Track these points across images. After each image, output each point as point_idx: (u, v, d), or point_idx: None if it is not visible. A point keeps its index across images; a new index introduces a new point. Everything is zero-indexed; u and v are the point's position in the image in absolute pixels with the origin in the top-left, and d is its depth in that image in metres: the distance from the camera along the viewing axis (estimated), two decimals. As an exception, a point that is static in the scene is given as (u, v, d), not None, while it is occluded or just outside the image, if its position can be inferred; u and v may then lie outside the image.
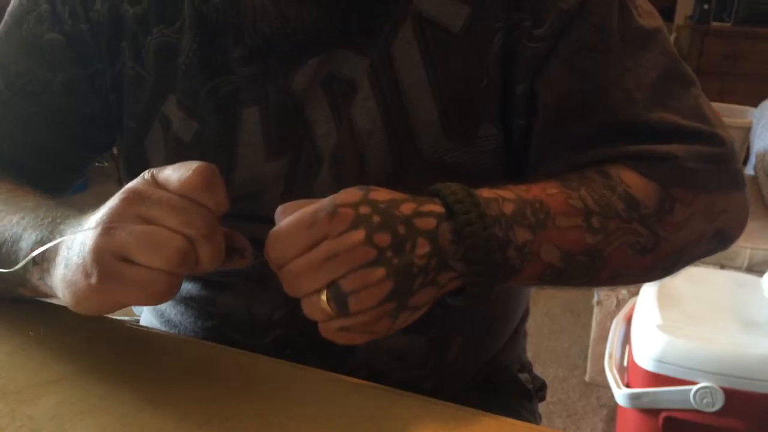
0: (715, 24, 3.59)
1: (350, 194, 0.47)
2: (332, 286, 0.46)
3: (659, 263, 0.57)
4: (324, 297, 0.46)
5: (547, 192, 0.52)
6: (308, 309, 0.47)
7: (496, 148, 0.59)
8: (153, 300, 0.44)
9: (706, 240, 0.58)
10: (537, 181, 0.54)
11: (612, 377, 1.37)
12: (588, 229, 0.52)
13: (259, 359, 0.55)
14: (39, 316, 0.60)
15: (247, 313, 0.63)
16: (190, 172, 0.44)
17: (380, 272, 0.46)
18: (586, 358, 1.83)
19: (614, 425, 1.61)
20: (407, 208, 0.48)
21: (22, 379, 0.52)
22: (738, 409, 1.23)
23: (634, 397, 1.30)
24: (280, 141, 0.60)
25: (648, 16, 0.59)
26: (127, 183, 0.49)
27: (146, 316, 0.74)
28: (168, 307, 0.69)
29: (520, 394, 0.76)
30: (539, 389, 0.80)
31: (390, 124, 0.58)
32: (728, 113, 2.72)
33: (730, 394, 1.23)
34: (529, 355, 0.81)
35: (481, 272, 0.49)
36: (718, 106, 2.71)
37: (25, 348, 0.56)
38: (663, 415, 1.29)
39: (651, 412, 1.30)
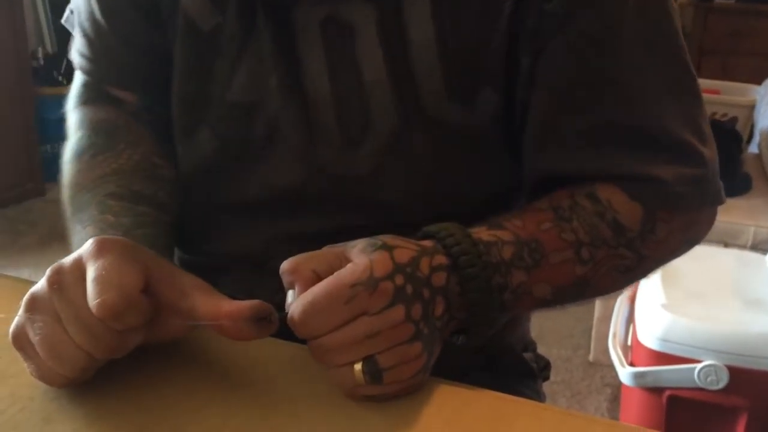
0: (718, 1, 3.56)
1: (383, 261, 0.45)
2: (368, 360, 0.45)
3: (639, 276, 0.60)
4: (358, 369, 0.45)
5: (541, 228, 0.53)
6: (337, 378, 0.46)
7: (496, 115, 0.58)
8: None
9: (680, 250, 0.61)
10: (531, 207, 0.55)
11: (616, 356, 1.37)
12: (578, 261, 0.54)
13: (261, 342, 0.55)
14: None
15: (248, 296, 0.63)
16: (105, 300, 0.42)
17: (417, 347, 0.46)
18: (589, 337, 1.83)
19: (618, 404, 1.62)
20: (425, 266, 0.47)
21: (22, 362, 0.52)
22: (742, 387, 1.23)
23: (638, 376, 1.31)
24: (276, 60, 0.58)
25: (667, 16, 0.57)
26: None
27: None
28: None
29: (523, 373, 0.76)
30: (543, 369, 0.80)
31: (394, 77, 0.57)
32: (732, 91, 2.70)
33: (735, 372, 1.23)
34: (533, 335, 0.81)
35: (482, 320, 0.50)
36: (721, 84, 2.69)
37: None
38: (667, 393, 1.29)
39: (655, 391, 1.30)
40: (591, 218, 0.55)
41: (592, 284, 0.56)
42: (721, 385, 1.23)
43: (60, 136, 0.72)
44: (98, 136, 0.67)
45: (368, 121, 0.58)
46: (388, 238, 0.48)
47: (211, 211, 0.65)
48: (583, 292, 0.56)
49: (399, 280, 0.45)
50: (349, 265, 0.45)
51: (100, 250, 0.45)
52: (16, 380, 0.50)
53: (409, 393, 0.47)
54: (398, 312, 0.45)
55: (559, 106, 0.57)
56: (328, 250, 0.48)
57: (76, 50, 0.69)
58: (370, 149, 0.58)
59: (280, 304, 0.62)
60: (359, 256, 0.46)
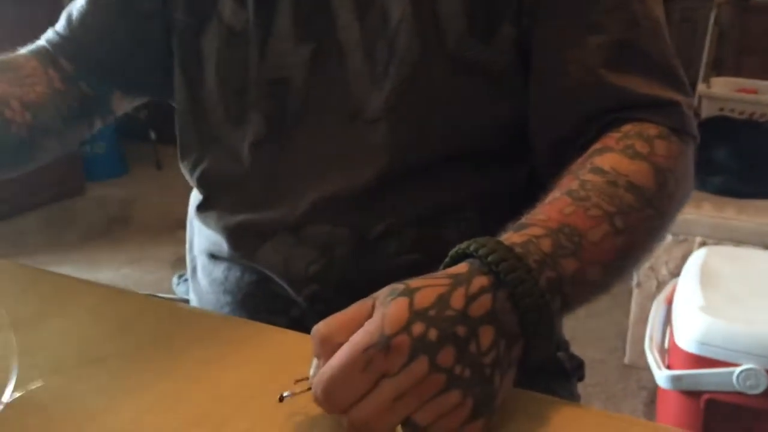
0: (755, 0, 3.48)
1: (396, 312, 0.42)
2: (407, 422, 0.42)
3: (663, 234, 0.59)
4: (400, 430, 0.42)
5: (565, 213, 0.52)
6: None
7: (514, 49, 0.61)
8: None
9: (683, 202, 0.61)
10: (545, 202, 0.54)
11: (653, 359, 1.35)
12: (615, 233, 0.52)
13: (294, 336, 0.56)
14: (84, 298, 0.62)
15: (283, 267, 0.65)
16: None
17: (455, 396, 0.42)
18: (624, 340, 1.81)
19: (654, 408, 1.60)
20: (458, 298, 0.44)
21: (72, 357, 0.53)
22: (783, 392, 1.21)
23: (675, 379, 1.29)
24: (308, 27, 0.63)
25: None
26: (181, 93, 0.65)
27: (197, 276, 0.76)
28: (214, 267, 0.71)
29: (557, 373, 0.76)
30: (577, 368, 0.80)
31: (419, 14, 0.60)
32: (772, 91, 2.64)
33: (775, 377, 1.20)
34: (566, 337, 0.81)
35: (546, 328, 0.46)
36: (760, 84, 2.63)
37: (72, 328, 0.57)
38: (705, 397, 1.27)
39: (693, 395, 1.28)
40: (607, 189, 0.54)
41: (631, 253, 0.54)
42: (761, 389, 1.21)
43: (101, 136, 0.77)
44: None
45: (392, 58, 0.61)
46: (413, 281, 0.45)
47: (259, 181, 0.67)
48: (627, 263, 0.54)
49: (417, 328, 0.42)
50: (362, 327, 0.43)
51: None
52: (64, 375, 0.51)
53: None
54: (421, 365, 0.41)
55: (574, 30, 0.60)
56: (358, 309, 0.45)
57: (54, 29, 0.75)
58: (392, 85, 0.61)
59: (315, 275, 0.64)
60: (376, 311, 0.43)
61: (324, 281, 0.64)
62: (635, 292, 1.76)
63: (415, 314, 0.42)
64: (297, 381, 0.46)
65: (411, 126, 0.62)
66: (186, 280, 0.83)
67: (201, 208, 0.72)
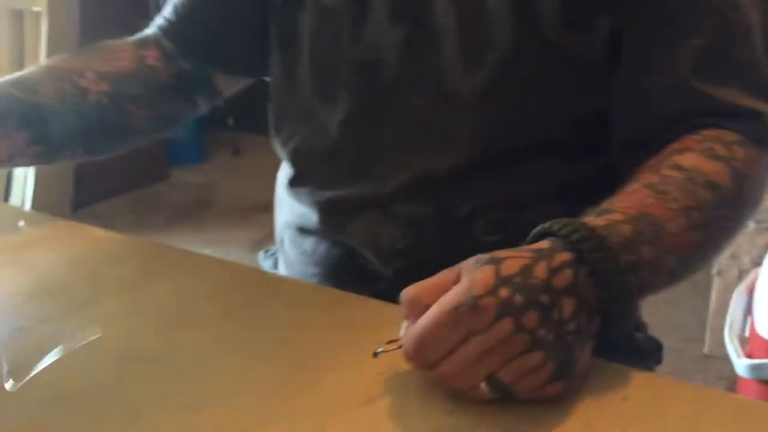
0: None
1: (484, 277, 0.45)
2: (491, 379, 0.45)
3: (737, 233, 0.61)
4: (484, 388, 0.45)
5: (646, 203, 0.53)
6: (472, 397, 0.47)
7: (606, 42, 0.62)
8: None
9: (756, 204, 0.62)
10: (625, 192, 0.55)
11: (732, 348, 1.33)
12: (692, 227, 0.54)
13: (382, 305, 0.59)
14: (181, 266, 0.67)
15: (372, 242, 0.68)
16: None
17: (539, 356, 0.45)
18: (703, 330, 1.77)
19: (733, 399, 1.56)
20: (542, 270, 0.46)
21: (174, 317, 0.58)
22: None
23: (755, 368, 1.26)
24: (404, 9, 0.65)
25: None
26: (276, 69, 0.69)
27: (286, 249, 0.80)
28: (303, 240, 0.75)
29: (634, 353, 0.76)
30: (654, 350, 0.80)
31: (516, 1, 0.61)
32: None
33: None
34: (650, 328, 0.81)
35: (623, 306, 0.48)
36: None
37: (172, 292, 0.62)
38: (787, 387, 1.24)
39: (774, 384, 1.26)
40: (686, 185, 0.55)
41: (705, 248, 0.56)
42: None
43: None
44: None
45: (487, 45, 0.62)
46: (498, 252, 0.47)
47: (349, 157, 0.70)
48: (699, 258, 0.57)
49: (504, 292, 0.45)
50: (451, 290, 0.46)
51: None
52: (166, 334, 0.56)
53: (559, 397, 0.46)
54: (506, 325, 0.44)
55: (668, 32, 0.60)
56: (445, 275, 0.48)
57: (162, 14, 0.78)
58: (487, 71, 0.63)
59: (405, 249, 0.67)
60: (463, 277, 0.46)
61: (411, 257, 0.67)
62: (716, 280, 1.72)
63: (502, 280, 0.45)
64: (388, 342, 0.49)
65: (501, 112, 0.64)
66: (272, 254, 0.87)
67: (293, 182, 0.75)
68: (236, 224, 2.67)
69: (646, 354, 0.78)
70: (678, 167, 0.57)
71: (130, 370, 0.51)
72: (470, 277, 0.46)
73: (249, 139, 3.26)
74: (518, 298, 0.45)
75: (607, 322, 0.49)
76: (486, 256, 0.47)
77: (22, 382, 0.49)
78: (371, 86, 0.67)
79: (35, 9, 1.03)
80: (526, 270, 0.46)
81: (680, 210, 0.54)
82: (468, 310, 0.44)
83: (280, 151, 0.77)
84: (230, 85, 0.80)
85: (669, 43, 0.61)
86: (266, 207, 0.86)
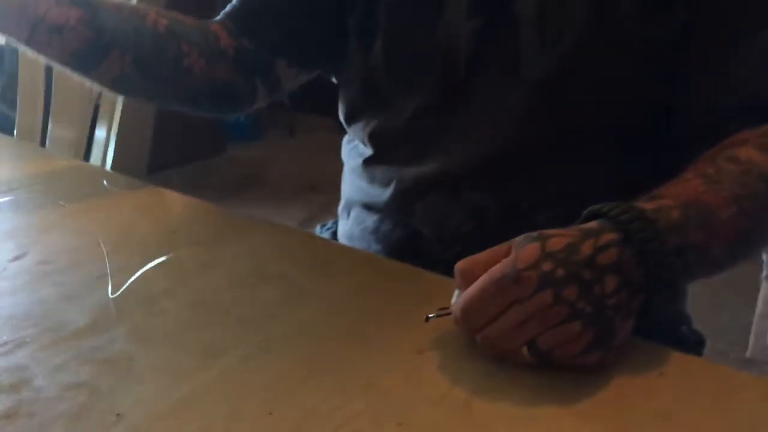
0: None
1: (528, 252, 0.49)
2: (532, 344, 0.49)
3: None
4: (525, 352, 0.49)
5: (698, 191, 0.55)
6: (515, 361, 0.50)
7: (681, 31, 0.63)
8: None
9: None
10: (679, 180, 0.57)
11: (775, 351, 1.32)
12: (743, 215, 0.55)
13: (438, 278, 0.63)
14: (251, 230, 0.71)
15: (438, 223, 0.72)
16: None
17: (576, 326, 0.48)
18: (747, 333, 1.76)
19: (774, 403, 1.55)
20: (587, 247, 0.49)
21: (247, 274, 0.63)
22: None
23: (798, 373, 1.26)
24: (481, 2, 0.66)
25: None
26: (355, 59, 0.70)
27: (345, 225, 0.84)
28: (367, 216, 0.79)
29: (677, 344, 0.78)
30: (698, 344, 0.81)
31: None
32: None
33: None
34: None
35: (667, 287, 0.51)
36: None
37: (238, 253, 0.67)
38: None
39: (816, 390, 1.24)
40: (740, 176, 0.57)
41: (756, 238, 0.58)
42: None
43: None
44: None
45: (564, 28, 0.64)
46: (547, 230, 0.51)
47: (423, 140, 0.73)
48: (751, 248, 0.58)
49: (547, 266, 0.48)
50: (499, 263, 0.49)
51: None
52: (225, 294, 0.60)
53: (595, 367, 0.49)
54: (546, 296, 0.47)
55: (744, 25, 0.61)
56: (496, 250, 0.52)
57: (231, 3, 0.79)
58: (562, 51, 0.65)
59: (467, 234, 0.69)
60: (513, 252, 0.50)
61: (472, 242, 0.69)
62: (764, 285, 1.71)
63: (546, 255, 0.49)
64: (440, 308, 0.53)
65: (573, 94, 0.66)
66: (328, 229, 0.91)
67: (369, 161, 0.78)
68: (286, 202, 2.73)
69: (687, 347, 0.79)
70: (733, 159, 0.58)
71: (203, 317, 0.57)
72: (517, 251, 0.50)
73: (303, 120, 3.32)
74: (560, 272, 0.48)
75: (651, 301, 0.51)
76: (535, 233, 0.51)
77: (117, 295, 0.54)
78: (448, 73, 0.69)
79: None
80: (572, 247, 0.49)
81: (732, 198, 0.55)
82: (511, 280, 0.48)
83: (358, 135, 0.80)
84: (292, 77, 0.79)
85: (739, 37, 0.62)
86: (315, 186, 0.89)
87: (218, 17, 0.79)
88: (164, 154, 2.80)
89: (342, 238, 0.84)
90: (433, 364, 0.51)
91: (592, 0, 0.63)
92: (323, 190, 2.66)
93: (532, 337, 0.48)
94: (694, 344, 0.81)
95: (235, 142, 3.26)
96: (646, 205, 0.53)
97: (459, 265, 0.52)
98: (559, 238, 0.50)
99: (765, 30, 0.62)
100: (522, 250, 0.50)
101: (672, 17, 0.63)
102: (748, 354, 1.76)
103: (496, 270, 0.49)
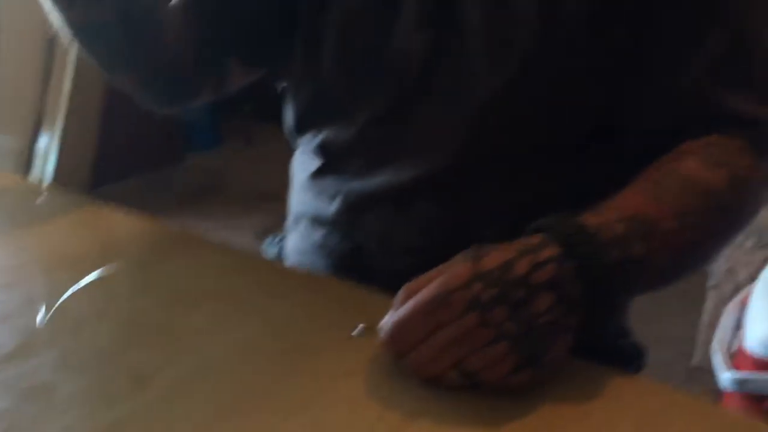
0: None
1: (459, 273, 0.49)
2: (459, 366, 0.49)
3: (728, 242, 0.63)
4: (453, 375, 0.49)
5: (642, 203, 0.56)
6: (443, 385, 0.50)
7: (625, 45, 0.63)
8: None
9: (754, 214, 0.64)
10: (622, 193, 0.58)
11: (719, 361, 1.35)
12: (686, 229, 0.56)
13: (379, 297, 0.62)
14: (192, 248, 0.71)
15: (384, 237, 0.71)
16: None
17: (503, 347, 0.48)
18: (693, 343, 1.80)
19: (719, 411, 1.58)
20: (522, 266, 0.49)
21: (189, 293, 0.62)
22: None
23: (740, 382, 1.29)
24: (433, 12, 0.66)
25: None
26: (301, 67, 0.68)
27: (294, 239, 0.83)
28: (314, 230, 0.78)
29: (615, 358, 0.78)
30: (637, 357, 0.82)
31: (542, 5, 0.63)
32: None
33: (844, 387, 1.19)
34: (633, 329, 0.82)
35: (606, 303, 0.51)
36: None
37: (176, 272, 0.66)
38: (769, 402, 1.27)
39: (756, 399, 1.28)
40: (683, 189, 0.58)
41: (698, 252, 0.59)
42: (828, 398, 1.20)
43: (198, 108, 0.81)
44: None
45: (513, 47, 0.64)
46: (486, 247, 0.51)
47: (372, 152, 0.72)
48: (694, 261, 0.60)
49: (476, 287, 0.48)
50: (430, 284, 0.49)
51: None
52: (177, 307, 0.59)
53: (526, 387, 0.49)
54: (471, 319, 0.48)
55: (686, 40, 0.62)
56: (441, 269, 0.51)
57: None
58: (510, 72, 0.65)
59: (415, 248, 0.69)
60: (444, 272, 0.50)
61: (419, 256, 0.68)
62: (711, 294, 1.75)
63: (477, 275, 0.49)
64: (365, 326, 0.54)
65: (521, 112, 0.66)
66: (278, 242, 0.90)
67: (317, 174, 0.77)
68: (244, 212, 2.71)
69: (627, 360, 0.80)
70: (677, 172, 0.59)
71: (137, 340, 0.56)
72: (448, 272, 0.50)
73: (263, 129, 3.29)
74: (489, 292, 0.48)
75: (590, 317, 0.51)
76: (472, 250, 0.51)
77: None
78: (398, 86, 0.69)
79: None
80: (507, 265, 0.49)
81: (674, 212, 0.56)
82: (439, 303, 0.48)
83: (304, 145, 0.79)
84: (238, 77, 0.78)
85: (685, 50, 0.63)
86: (274, 196, 0.88)
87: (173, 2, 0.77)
88: (119, 164, 2.76)
89: (290, 252, 0.84)
90: (368, 386, 0.51)
91: (539, 17, 0.64)
92: (283, 200, 2.63)
93: (459, 359, 0.48)
94: (634, 357, 0.81)
95: (194, 151, 3.23)
96: (588, 218, 0.53)
97: (406, 285, 0.52)
98: (495, 256, 0.50)
99: (707, 45, 0.62)
100: (453, 270, 0.50)
101: (616, 35, 0.63)
102: (694, 363, 1.79)
103: (426, 292, 0.49)
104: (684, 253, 0.58)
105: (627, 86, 0.66)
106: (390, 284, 0.60)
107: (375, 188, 0.72)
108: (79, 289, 0.61)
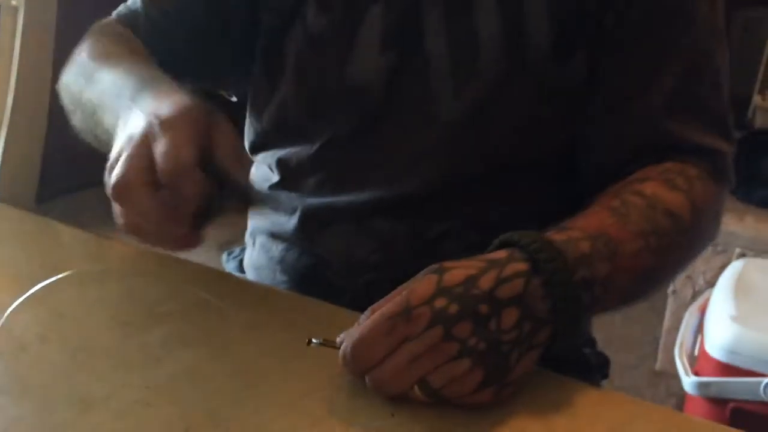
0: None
1: (423, 287, 0.48)
2: (422, 383, 0.47)
3: (686, 266, 0.65)
4: (417, 392, 0.47)
5: (605, 224, 0.55)
6: (408, 397, 0.48)
7: (586, 73, 0.64)
8: None
9: (714, 237, 0.66)
10: (586, 213, 0.58)
11: (681, 365, 1.36)
12: (649, 251, 0.56)
13: (339, 312, 0.61)
14: (142, 264, 0.68)
15: (344, 254, 0.70)
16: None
17: (466, 363, 0.46)
18: (656, 347, 1.81)
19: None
20: (487, 281, 0.48)
21: (139, 312, 0.59)
22: (810, 405, 1.21)
23: (702, 386, 1.30)
24: (395, 37, 0.65)
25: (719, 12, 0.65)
26: (261, 79, 0.68)
27: (252, 253, 0.81)
28: (273, 245, 0.76)
29: (581, 367, 0.79)
30: (602, 366, 0.82)
31: (507, 32, 0.63)
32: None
33: (803, 390, 1.21)
34: (600, 342, 0.83)
35: (574, 320, 0.50)
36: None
37: (126, 290, 0.64)
38: (731, 405, 1.28)
39: (719, 402, 1.29)
40: (646, 211, 0.58)
41: (659, 273, 0.59)
42: (788, 401, 1.22)
43: None
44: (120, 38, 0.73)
45: (476, 73, 0.64)
46: (449, 262, 0.50)
47: (331, 171, 0.71)
48: (656, 282, 0.60)
49: (440, 302, 0.47)
50: (393, 300, 0.48)
51: (164, 127, 0.50)
52: (132, 327, 0.57)
53: (491, 403, 0.48)
54: (436, 333, 0.46)
55: (642, 70, 0.63)
56: (402, 288, 0.50)
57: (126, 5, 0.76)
58: (473, 98, 0.64)
59: (376, 264, 0.68)
60: (408, 288, 0.48)
61: (380, 272, 0.68)
62: (671, 299, 1.77)
63: (441, 290, 0.48)
64: (326, 339, 0.51)
65: (483, 137, 0.66)
66: (236, 257, 0.88)
67: (275, 187, 0.76)
68: (205, 223, 2.66)
69: (593, 369, 0.80)
70: (639, 194, 0.59)
71: (83, 363, 0.53)
72: (412, 287, 0.48)
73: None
74: (453, 308, 0.47)
75: (556, 333, 0.50)
76: (435, 265, 0.50)
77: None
78: (360, 109, 0.68)
79: (13, 3, 1.03)
80: (471, 280, 0.48)
81: (638, 233, 0.55)
82: (402, 319, 0.47)
83: (262, 159, 0.77)
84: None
85: (642, 82, 0.64)
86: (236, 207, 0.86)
87: (115, 17, 0.76)
88: (71, 176, 2.69)
89: (248, 267, 0.82)
90: (328, 404, 0.49)
91: (504, 47, 0.64)
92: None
93: (422, 375, 0.47)
94: (598, 366, 0.81)
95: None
96: (555, 236, 0.52)
97: (371, 307, 0.50)
98: (459, 271, 0.49)
99: (667, 75, 0.63)
100: (417, 285, 0.48)
101: (578, 60, 0.64)
102: (657, 367, 1.81)
103: (388, 308, 0.48)
104: (646, 274, 0.58)
105: (589, 113, 0.66)
106: (353, 301, 0.59)
107: (335, 205, 0.70)
108: (22, 309, 0.58)
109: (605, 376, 0.82)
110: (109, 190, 0.51)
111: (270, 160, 0.76)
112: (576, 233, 0.53)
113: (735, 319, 1.29)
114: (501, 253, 0.51)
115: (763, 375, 1.23)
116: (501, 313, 0.47)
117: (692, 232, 0.61)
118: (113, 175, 0.50)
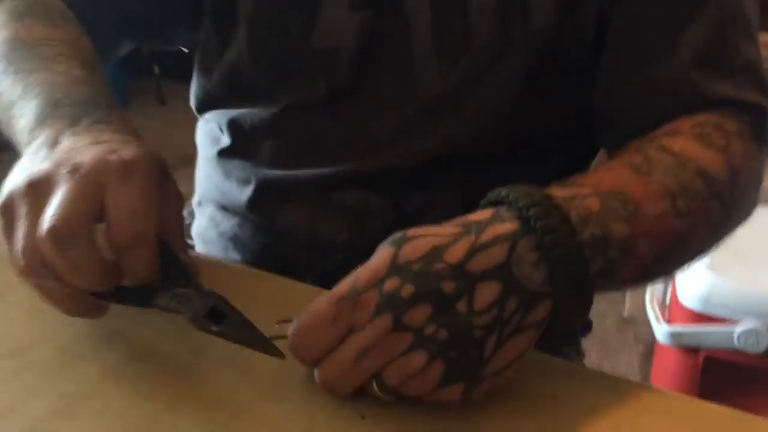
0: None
1: (374, 266, 0.40)
2: (377, 379, 0.40)
3: (723, 237, 0.53)
4: (375, 389, 0.40)
5: (623, 180, 0.46)
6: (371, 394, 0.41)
7: (593, 38, 0.57)
8: None
9: (753, 207, 0.56)
10: (601, 167, 0.49)
11: (653, 313, 1.35)
12: (676, 215, 0.46)
13: (299, 287, 0.54)
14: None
15: (309, 233, 0.63)
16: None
17: (419, 357, 0.38)
18: (625, 293, 1.81)
19: (650, 362, 1.60)
20: (456, 251, 0.39)
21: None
22: (783, 352, 1.21)
23: (675, 335, 1.29)
24: None
25: None
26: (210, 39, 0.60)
27: (200, 223, 0.73)
28: (223, 219, 0.69)
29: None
30: (585, 327, 0.78)
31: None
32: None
33: (776, 336, 1.20)
34: None
35: (581, 290, 0.40)
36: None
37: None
38: (703, 354, 1.27)
39: (691, 351, 1.29)
40: (674, 168, 0.48)
41: (689, 242, 0.49)
42: (761, 348, 1.21)
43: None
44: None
45: (466, 43, 0.56)
46: (415, 229, 0.41)
47: (293, 139, 0.63)
48: (682, 253, 0.49)
49: (391, 284, 0.39)
50: (344, 279, 0.40)
51: (126, 169, 0.41)
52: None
53: (462, 403, 0.40)
54: (384, 322, 0.38)
55: (666, 24, 0.55)
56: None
57: None
58: (463, 73, 0.57)
59: (342, 245, 0.61)
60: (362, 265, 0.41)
61: (350, 252, 0.60)
62: (639, 245, 1.76)
63: (394, 268, 0.39)
64: (279, 322, 0.44)
65: (472, 113, 0.59)
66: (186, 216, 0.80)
67: (224, 153, 0.68)
68: (159, 177, 2.57)
69: (575, 330, 0.76)
70: (666, 149, 0.49)
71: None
72: (364, 265, 0.40)
73: (175, 88, 3.12)
74: (407, 290, 0.39)
75: (557, 309, 0.40)
76: (399, 234, 0.41)
77: None
78: (327, 75, 0.60)
79: None
80: (434, 252, 0.39)
81: (663, 193, 0.46)
82: (348, 304, 0.39)
83: (210, 117, 0.69)
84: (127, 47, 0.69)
85: (668, 33, 0.55)
86: (191, 159, 0.78)
87: None
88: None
89: (196, 238, 0.74)
90: (288, 406, 0.43)
91: (501, 16, 0.55)
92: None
93: (374, 372, 0.39)
94: (582, 327, 0.77)
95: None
96: (557, 191, 0.43)
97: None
98: (422, 240, 0.40)
99: (696, 24, 0.55)
100: (371, 261, 0.40)
101: (584, 24, 0.56)
102: (625, 314, 1.81)
103: (337, 290, 0.40)
104: (673, 242, 0.47)
105: (599, 83, 0.58)
106: (317, 286, 0.52)
107: (295, 178, 0.63)
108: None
109: (585, 334, 0.79)
110: (37, 230, 0.39)
111: (221, 120, 0.68)
112: (585, 189, 0.43)
113: (708, 266, 1.27)
114: (485, 213, 0.42)
115: (737, 323, 1.22)
116: (474, 291, 0.39)
117: (729, 196, 0.51)
118: (49, 215, 0.39)
